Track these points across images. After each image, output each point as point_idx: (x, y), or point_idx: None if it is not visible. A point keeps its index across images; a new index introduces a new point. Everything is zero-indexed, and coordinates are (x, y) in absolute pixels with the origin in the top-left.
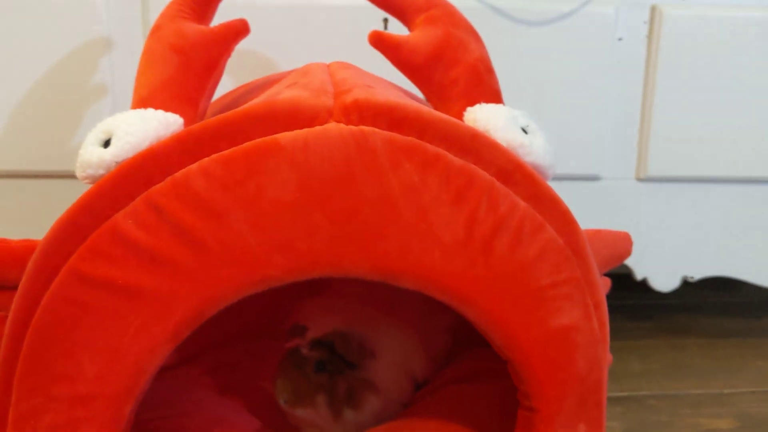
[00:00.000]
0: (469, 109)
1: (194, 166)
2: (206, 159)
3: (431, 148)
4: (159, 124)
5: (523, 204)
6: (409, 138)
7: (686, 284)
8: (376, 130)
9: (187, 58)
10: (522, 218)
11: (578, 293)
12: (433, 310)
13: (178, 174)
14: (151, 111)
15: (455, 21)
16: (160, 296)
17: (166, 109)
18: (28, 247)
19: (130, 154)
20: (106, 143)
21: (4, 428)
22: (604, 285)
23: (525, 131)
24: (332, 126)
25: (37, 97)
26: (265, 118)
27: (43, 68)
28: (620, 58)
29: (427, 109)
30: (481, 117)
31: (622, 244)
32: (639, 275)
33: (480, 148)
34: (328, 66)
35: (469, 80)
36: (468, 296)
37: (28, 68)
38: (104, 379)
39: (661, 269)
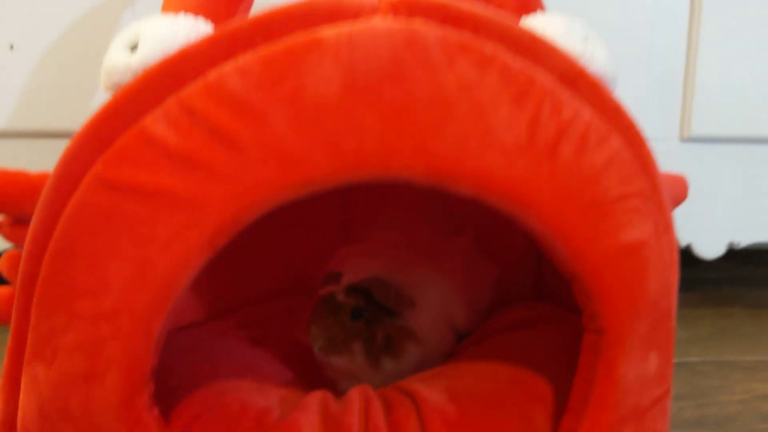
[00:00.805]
0: (524, 17)
1: (229, 65)
2: (241, 57)
3: (488, 46)
4: (190, 30)
5: (587, 111)
6: (464, 35)
7: (730, 257)
8: (428, 25)
9: None
10: (587, 125)
11: (648, 209)
12: (479, 261)
13: (212, 74)
14: (181, 16)
15: None
16: (194, 201)
17: (198, 16)
18: (47, 179)
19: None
20: (133, 49)
21: (21, 354)
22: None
23: (585, 41)
24: (378, 21)
25: (59, 55)
26: (305, 14)
27: (64, 24)
28: (662, 9)
29: (483, 7)
30: (538, 25)
31: (678, 186)
32: (682, 242)
33: (540, 52)
34: None
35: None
36: (532, 203)
37: (50, 24)
38: (132, 293)
39: (706, 235)
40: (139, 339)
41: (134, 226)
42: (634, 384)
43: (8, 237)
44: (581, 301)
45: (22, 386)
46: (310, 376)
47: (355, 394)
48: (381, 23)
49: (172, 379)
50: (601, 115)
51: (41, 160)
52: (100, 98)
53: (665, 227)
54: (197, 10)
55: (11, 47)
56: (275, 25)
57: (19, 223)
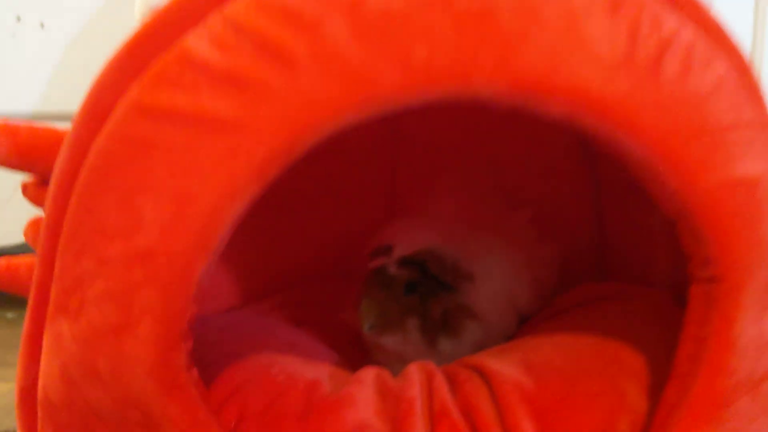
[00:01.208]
0: None
1: None
2: None
3: None
4: None
5: (690, 29)
6: None
7: None
8: None
9: None
10: (691, 44)
11: (762, 142)
12: (541, 238)
13: None
14: None
15: None
16: (242, 124)
17: None
18: None
19: None
20: None
21: (44, 313)
22: None
23: None
24: None
25: (89, 35)
26: None
27: (95, 3)
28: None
29: None
30: None
31: None
32: None
33: None
34: None
35: None
36: (634, 125)
37: (79, 6)
38: (170, 231)
39: None
40: (178, 284)
41: (173, 155)
42: (750, 346)
43: (33, 199)
44: (689, 245)
45: (44, 348)
46: (355, 360)
47: (414, 369)
48: None
49: (209, 353)
50: (705, 35)
51: None
52: None
53: None
54: None
55: (42, 26)
56: None
57: (46, 184)
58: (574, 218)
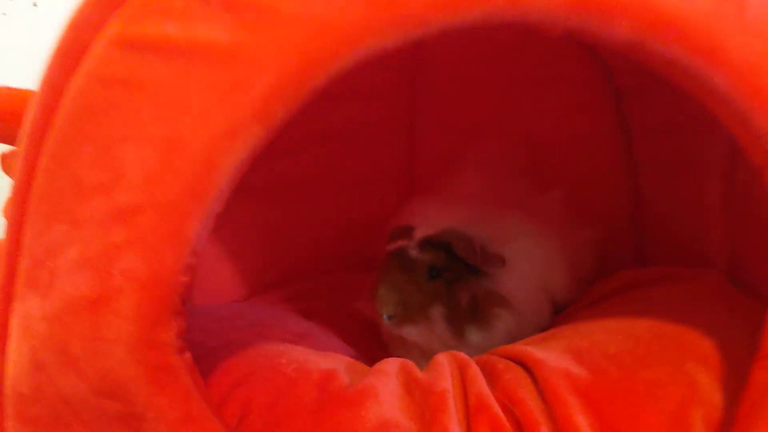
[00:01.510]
0: None
1: None
2: None
3: None
4: None
5: None
6: None
7: None
8: None
9: None
10: None
11: None
12: (575, 221)
13: None
14: None
15: None
16: (242, 53)
17: None
18: None
19: None
20: None
21: (11, 294)
22: None
23: None
24: None
25: None
26: None
27: None
28: None
29: None
30: None
31: None
32: None
33: None
34: None
35: None
36: (718, 51)
37: None
38: (157, 182)
39: None
40: (167, 246)
41: (160, 94)
42: None
43: (7, 171)
44: None
45: (12, 333)
46: (372, 355)
47: (443, 359)
48: None
49: (209, 340)
50: None
51: None
52: None
53: None
54: None
55: (34, 5)
56: None
57: None
58: (609, 199)
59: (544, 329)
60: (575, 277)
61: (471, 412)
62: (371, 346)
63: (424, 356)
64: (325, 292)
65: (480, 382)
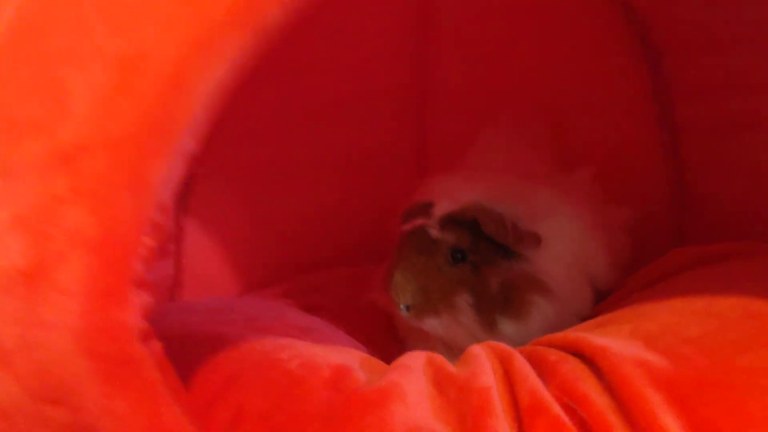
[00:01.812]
0: None
1: None
2: None
3: None
4: None
5: None
6: None
7: None
8: None
9: None
10: None
11: None
12: (611, 199)
13: None
14: None
15: None
16: None
17: None
18: None
19: None
20: None
21: None
22: None
23: None
24: None
25: None
26: None
27: None
28: None
29: None
30: None
31: None
32: None
33: None
34: None
35: None
36: None
37: None
38: (110, 113)
39: None
40: (123, 195)
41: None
42: None
43: None
44: None
45: None
46: (387, 352)
47: (480, 351)
48: None
49: (191, 333)
50: None
51: None
52: None
53: None
54: None
55: None
56: None
57: None
58: (647, 174)
59: (584, 320)
60: (615, 259)
61: (524, 413)
62: (385, 343)
63: (449, 353)
64: (330, 286)
65: (530, 377)
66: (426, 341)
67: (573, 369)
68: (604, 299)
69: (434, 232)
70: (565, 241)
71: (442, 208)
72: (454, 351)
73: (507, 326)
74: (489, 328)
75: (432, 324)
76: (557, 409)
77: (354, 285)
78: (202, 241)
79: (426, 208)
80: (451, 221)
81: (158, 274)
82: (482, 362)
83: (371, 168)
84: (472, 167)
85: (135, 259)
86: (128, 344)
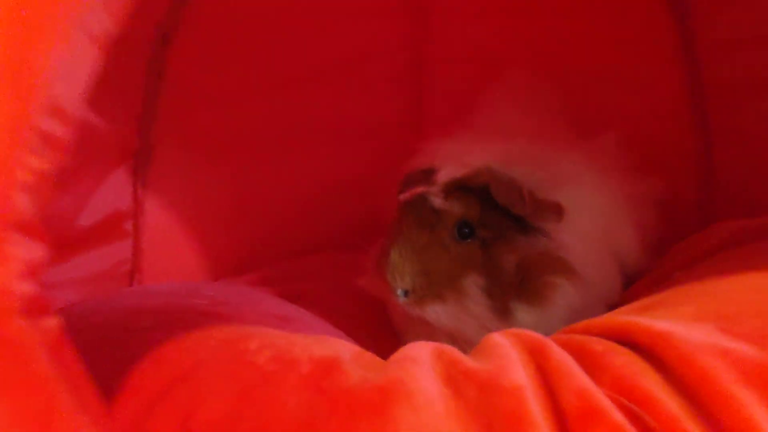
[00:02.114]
0: None
1: None
2: None
3: None
4: None
5: None
6: None
7: None
8: None
9: None
10: None
11: None
12: (634, 169)
13: None
14: None
15: None
16: None
17: None
18: None
19: None
20: None
21: None
22: None
23: None
24: None
25: None
26: None
27: None
28: None
29: None
30: None
31: None
32: None
33: None
34: None
35: None
36: None
37: None
38: None
39: None
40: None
41: None
42: None
43: None
44: None
45: None
46: (382, 348)
47: (502, 340)
48: None
49: (133, 321)
50: None
51: None
52: None
53: None
54: None
55: None
56: None
57: None
58: (671, 141)
59: (612, 307)
60: (645, 238)
61: (572, 420)
62: (380, 337)
63: (455, 346)
64: (316, 272)
65: (576, 373)
66: (428, 334)
67: (629, 362)
68: (631, 284)
69: (438, 202)
70: (590, 215)
71: (447, 173)
72: (461, 345)
73: (524, 314)
74: (503, 316)
75: (435, 312)
76: (617, 414)
77: (343, 272)
78: (165, 220)
79: (428, 174)
80: (457, 188)
81: (113, 257)
82: (507, 353)
83: (364, 138)
84: (479, 130)
85: (13, 188)
86: (7, 316)
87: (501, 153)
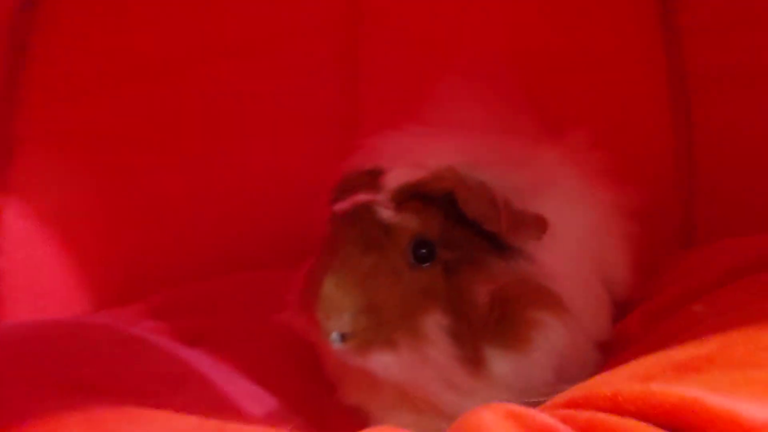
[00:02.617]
0: None
1: None
2: None
3: None
4: None
5: None
6: None
7: None
8: None
9: None
10: None
11: None
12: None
13: None
14: None
15: None
16: None
17: None
18: None
19: None
20: None
21: None
22: None
23: None
24: None
25: None
26: None
27: None
28: None
29: None
30: None
31: None
32: None
33: None
34: None
35: None
36: None
37: None
38: None
39: None
40: None
41: None
42: None
43: None
44: None
45: None
46: (312, 405)
47: (493, 423)
48: None
49: None
50: None
51: None
52: None
53: None
54: None
55: None
56: None
57: None
58: (650, 138)
59: (602, 348)
60: (634, 257)
61: None
62: (308, 389)
63: (408, 408)
64: (221, 301)
65: None
66: (370, 388)
67: None
68: (620, 315)
69: (386, 214)
70: (576, 230)
71: (397, 176)
72: (416, 405)
73: (500, 362)
74: (473, 366)
75: (384, 363)
76: None
77: (258, 300)
78: (30, 233)
79: (372, 178)
80: (412, 197)
81: None
82: None
83: (289, 131)
84: (431, 123)
85: None
86: None
87: (465, 150)
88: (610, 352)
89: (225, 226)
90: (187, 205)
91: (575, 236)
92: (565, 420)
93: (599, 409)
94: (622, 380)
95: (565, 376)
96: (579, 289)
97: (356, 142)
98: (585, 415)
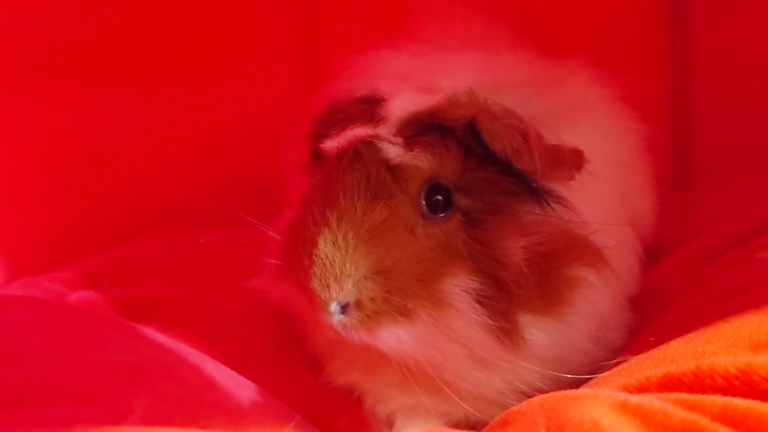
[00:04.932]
0: None
1: None
2: None
3: None
4: None
5: None
6: None
7: None
8: None
9: None
10: None
11: None
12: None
13: None
14: None
15: None
16: None
17: None
18: None
19: None
20: None
21: None
22: None
23: None
24: None
25: None
26: None
27: None
28: None
29: None
30: None
31: None
32: None
33: None
34: None
35: None
36: None
37: None
38: None
39: None
40: None
41: None
42: None
43: None
44: None
45: None
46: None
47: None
48: None
49: None
50: None
51: None
52: None
53: None
54: None
55: None
56: None
57: None
58: (647, 69)
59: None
60: (660, 198)
61: None
62: (289, 369)
63: (409, 389)
64: (167, 263)
65: None
66: (369, 368)
67: None
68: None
69: (393, 152)
70: (606, 165)
71: (404, 103)
72: (422, 385)
73: (538, 331)
74: (506, 336)
75: (395, 337)
76: None
77: (214, 262)
78: None
79: (369, 106)
80: (423, 129)
81: None
82: None
83: (241, 60)
84: (428, 40)
85: None
86: None
87: (485, 69)
88: (640, 309)
89: (162, 177)
90: (116, 151)
91: (606, 174)
92: (693, 407)
93: (720, 389)
94: (724, 350)
95: (601, 343)
96: (614, 239)
97: (341, 63)
98: (717, 401)
